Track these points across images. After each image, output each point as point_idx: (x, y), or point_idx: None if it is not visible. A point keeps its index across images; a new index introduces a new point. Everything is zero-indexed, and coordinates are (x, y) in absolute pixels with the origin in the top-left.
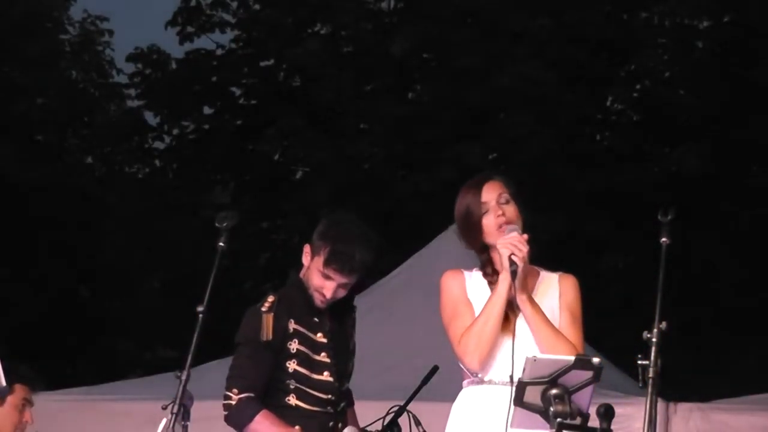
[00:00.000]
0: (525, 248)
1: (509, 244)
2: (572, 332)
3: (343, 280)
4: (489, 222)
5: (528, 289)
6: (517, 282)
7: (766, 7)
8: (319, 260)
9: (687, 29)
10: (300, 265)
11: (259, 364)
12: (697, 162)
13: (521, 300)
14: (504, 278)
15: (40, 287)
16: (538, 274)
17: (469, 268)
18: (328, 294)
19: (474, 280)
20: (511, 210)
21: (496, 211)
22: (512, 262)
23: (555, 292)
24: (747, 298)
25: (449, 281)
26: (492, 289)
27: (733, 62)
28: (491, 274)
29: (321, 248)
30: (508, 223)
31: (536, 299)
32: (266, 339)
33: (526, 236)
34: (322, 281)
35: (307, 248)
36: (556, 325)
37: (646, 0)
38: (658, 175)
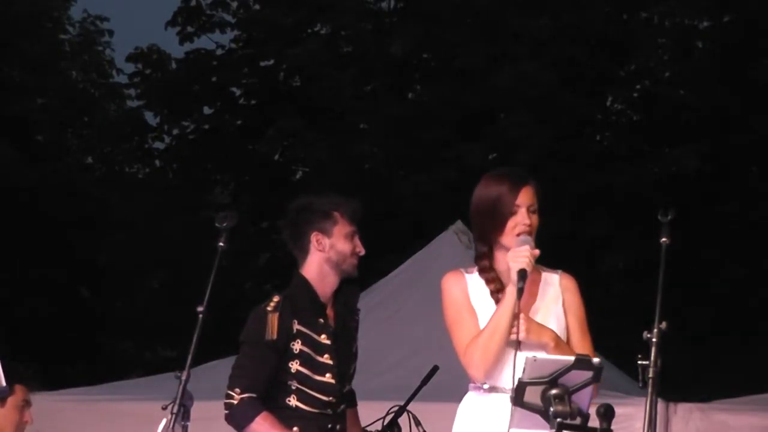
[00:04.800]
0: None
1: (521, 257)
2: (584, 345)
3: (355, 227)
4: (514, 224)
5: (533, 296)
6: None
7: (766, 6)
8: (343, 225)
9: (687, 29)
10: (298, 266)
11: (262, 364)
12: (696, 162)
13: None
14: (511, 291)
15: (40, 287)
16: (540, 274)
17: (467, 267)
18: (362, 248)
19: (474, 282)
20: (535, 221)
21: (525, 219)
22: (521, 277)
23: (558, 295)
24: (747, 297)
25: (450, 284)
26: (497, 299)
27: (732, 62)
28: (488, 271)
29: (336, 217)
30: (530, 235)
31: (541, 304)
32: (271, 338)
33: (537, 252)
34: (350, 242)
35: (316, 236)
36: (562, 331)
37: (646, 0)
38: (658, 175)
